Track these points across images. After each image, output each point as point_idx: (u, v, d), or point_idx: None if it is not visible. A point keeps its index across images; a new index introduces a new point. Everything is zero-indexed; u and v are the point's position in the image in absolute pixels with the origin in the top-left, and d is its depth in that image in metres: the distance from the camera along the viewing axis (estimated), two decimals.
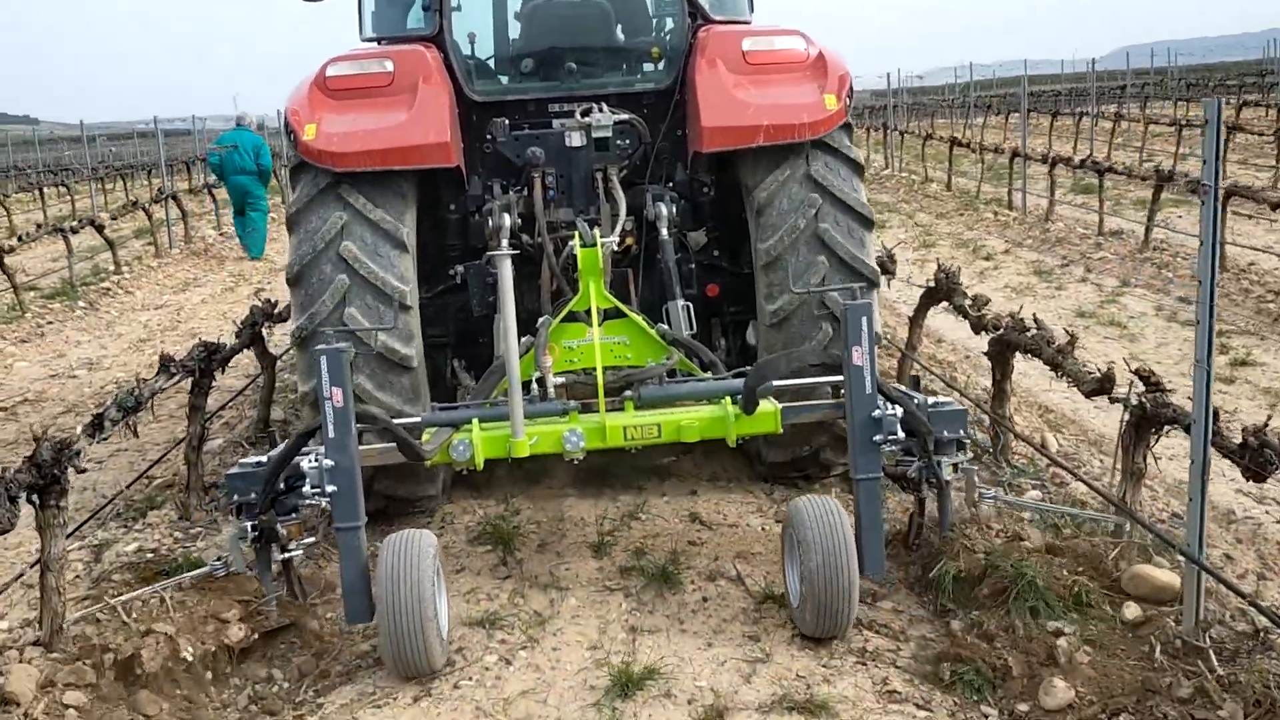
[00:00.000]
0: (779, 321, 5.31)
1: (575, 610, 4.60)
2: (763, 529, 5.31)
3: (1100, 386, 4.48)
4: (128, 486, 5.92)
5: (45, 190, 23.83)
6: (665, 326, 5.37)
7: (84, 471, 4.13)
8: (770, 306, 5.32)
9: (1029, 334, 5.27)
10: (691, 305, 5.56)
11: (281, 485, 4.24)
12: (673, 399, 4.81)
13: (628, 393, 4.76)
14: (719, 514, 5.55)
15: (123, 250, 17.30)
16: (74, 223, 14.37)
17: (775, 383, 4.63)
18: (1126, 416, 4.31)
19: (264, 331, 6.94)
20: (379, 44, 6.10)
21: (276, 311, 7.10)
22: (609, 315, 5.20)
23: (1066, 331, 5.00)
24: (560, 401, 4.73)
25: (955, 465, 4.40)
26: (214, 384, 5.98)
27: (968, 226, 15.60)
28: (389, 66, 5.44)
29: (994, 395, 5.70)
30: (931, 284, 6.65)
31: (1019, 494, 5.28)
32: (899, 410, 4.23)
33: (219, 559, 4.48)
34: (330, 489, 4.04)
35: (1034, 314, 5.36)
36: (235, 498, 4.22)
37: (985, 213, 16.20)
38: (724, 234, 6.11)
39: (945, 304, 6.58)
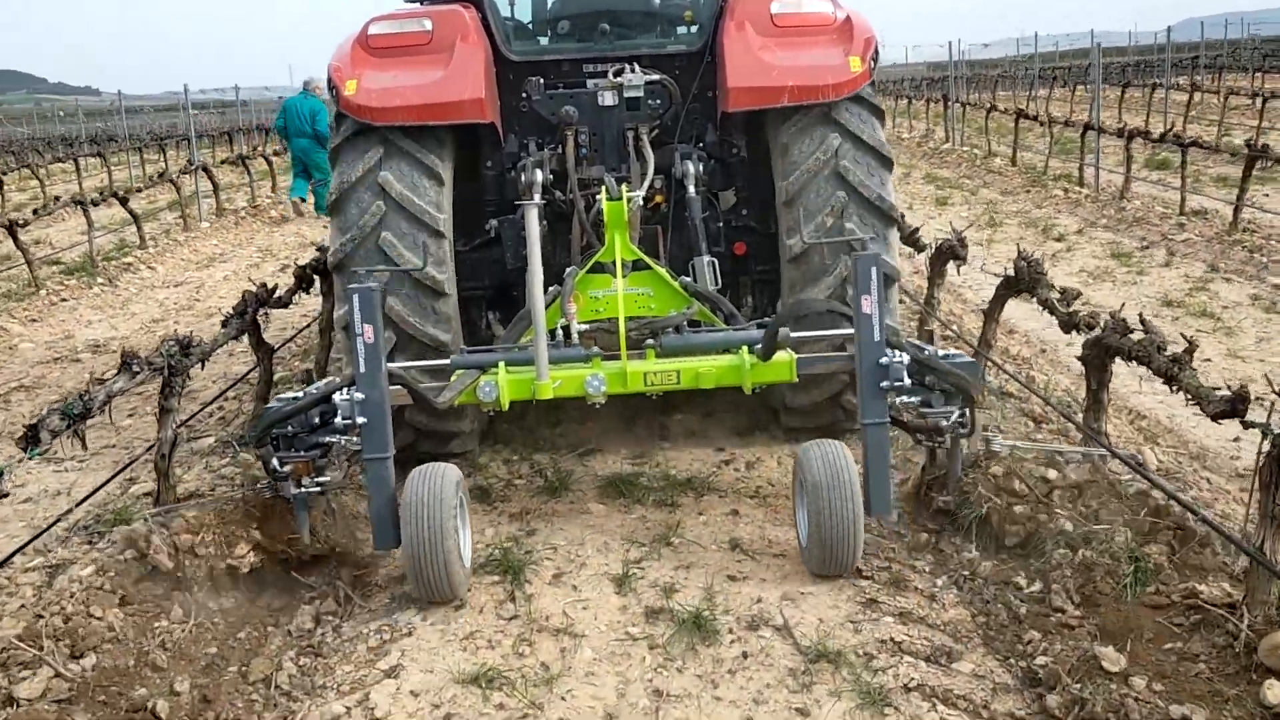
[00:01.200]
0: (798, 255, 5.43)
1: (590, 665, 3.87)
2: None
3: (1232, 408, 3.65)
4: (86, 497, 5.26)
5: (82, 161, 23.40)
6: (688, 279, 5.50)
7: (5, 496, 3.47)
8: (790, 240, 5.44)
9: (1134, 337, 4.44)
10: (718, 262, 5.70)
11: (317, 420, 4.49)
12: (692, 348, 4.93)
13: (649, 341, 4.93)
14: (763, 540, 4.79)
15: (152, 224, 16.87)
16: (95, 195, 13.81)
17: (794, 334, 4.81)
18: (1267, 447, 3.48)
19: (259, 319, 6.26)
20: (420, 4, 6.22)
21: (276, 296, 6.43)
22: (635, 267, 5.34)
23: (1185, 338, 4.16)
24: (583, 348, 4.89)
25: (965, 417, 4.51)
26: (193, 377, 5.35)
27: (1036, 204, 14.60)
28: (428, 25, 5.61)
29: (1087, 407, 4.88)
30: (1010, 273, 5.82)
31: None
32: (905, 357, 4.35)
33: (249, 486, 4.84)
34: (361, 420, 4.26)
35: (1140, 314, 4.52)
36: (272, 432, 4.45)
37: (1054, 190, 15.18)
38: (753, 194, 6.27)
39: (1027, 296, 5.74)
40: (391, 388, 4.45)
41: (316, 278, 7.23)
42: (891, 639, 3.90)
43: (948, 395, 4.52)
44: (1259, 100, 18.88)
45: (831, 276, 5.38)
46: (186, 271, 12.86)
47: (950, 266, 7.13)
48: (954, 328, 7.74)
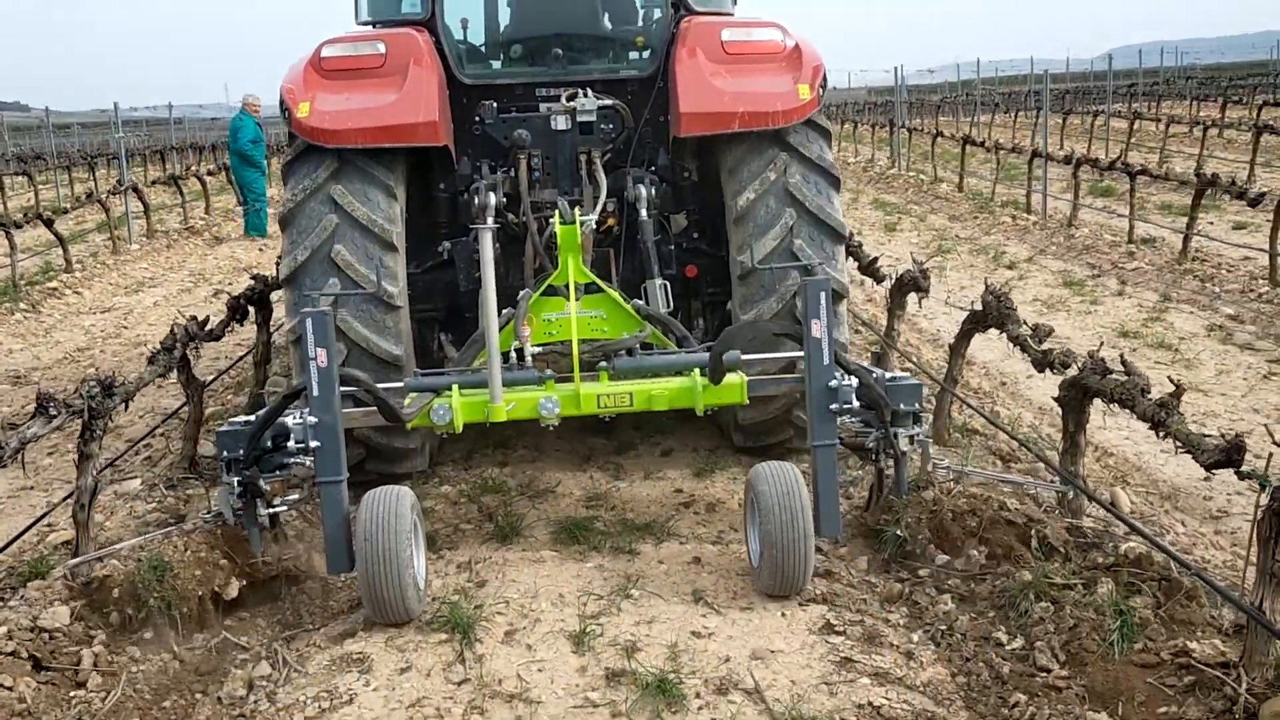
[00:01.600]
0: (747, 273, 5.51)
1: None
2: (784, 616, 4.28)
3: (1227, 458, 3.47)
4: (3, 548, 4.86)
5: (8, 180, 22.59)
6: (640, 302, 5.54)
7: None
8: (740, 257, 5.51)
9: (1114, 378, 4.25)
10: (669, 284, 5.80)
11: (268, 443, 4.43)
12: (644, 370, 4.96)
13: (602, 363, 4.95)
14: (729, 592, 4.52)
15: (80, 246, 16.27)
16: (18, 217, 13.25)
17: (744, 356, 4.77)
18: (1265, 500, 3.29)
19: (189, 354, 5.90)
20: (374, 27, 6.21)
21: (207, 329, 6.07)
22: (588, 290, 5.41)
23: (1171, 380, 3.98)
24: (537, 370, 4.90)
25: (911, 437, 4.58)
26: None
27: (984, 231, 14.60)
28: (381, 49, 5.63)
29: (1064, 449, 4.68)
30: (977, 307, 5.63)
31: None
32: (854, 381, 4.45)
33: (209, 511, 4.59)
34: (314, 444, 4.27)
35: (1122, 355, 4.34)
36: (224, 454, 4.40)
37: (1002, 216, 15.21)
38: (704, 217, 6.35)
39: (996, 331, 5.56)
40: (349, 410, 4.59)
41: (251, 308, 6.88)
42: (870, 703, 3.65)
43: (896, 416, 4.57)
44: (1199, 128, 19.11)
45: (778, 293, 5.50)
46: (115, 297, 12.36)
47: (910, 297, 6.95)
48: (913, 359, 7.57)
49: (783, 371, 5.22)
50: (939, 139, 20.65)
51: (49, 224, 13.08)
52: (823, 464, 4.45)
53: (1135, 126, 21.85)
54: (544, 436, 6.64)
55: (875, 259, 7.57)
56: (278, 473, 4.49)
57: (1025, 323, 5.18)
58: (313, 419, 4.29)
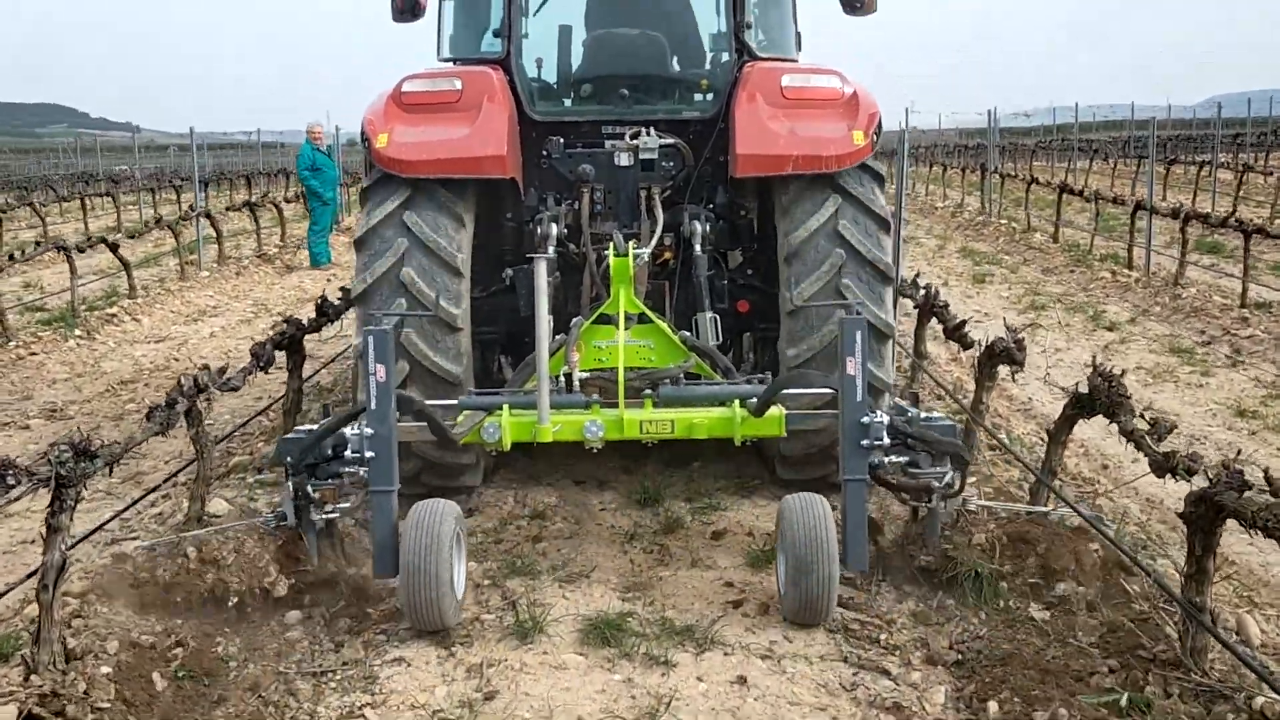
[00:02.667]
0: (795, 310, 5.71)
1: None
2: None
3: None
4: None
5: (90, 201, 22.80)
6: (689, 334, 5.74)
7: None
8: (791, 351, 5.77)
9: (1256, 497, 3.50)
10: (720, 318, 6.00)
11: (328, 452, 4.73)
12: (687, 400, 5.20)
13: (647, 391, 5.19)
14: (774, 715, 3.85)
15: (151, 270, 16.17)
16: (81, 240, 13.09)
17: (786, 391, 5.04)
18: None
19: (200, 405, 5.41)
20: (453, 64, 6.55)
21: (225, 379, 5.59)
22: (639, 320, 5.61)
23: None
24: (584, 395, 5.16)
25: (948, 479, 4.72)
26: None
27: (1081, 287, 13.67)
28: (458, 85, 5.93)
29: (1188, 574, 3.91)
30: (1082, 389, 4.89)
31: None
32: (885, 418, 4.64)
33: (274, 512, 4.88)
34: (369, 455, 4.54)
35: (1266, 470, 3.58)
36: (286, 459, 4.68)
37: (1100, 271, 14.25)
38: (758, 254, 6.57)
39: (1105, 420, 4.80)
40: (404, 424, 4.87)
41: (280, 353, 6.41)
42: None
43: (934, 456, 4.75)
44: None
45: (823, 331, 5.68)
46: (173, 325, 12.07)
47: (1003, 371, 6.22)
48: (1002, 436, 6.81)
49: (825, 407, 5.22)
50: (1034, 186, 19.67)
51: (114, 248, 12.90)
52: (852, 497, 4.57)
53: (1243, 179, 20.66)
54: (585, 510, 6.06)
55: (962, 323, 6.86)
56: (329, 481, 4.76)
57: (1141, 413, 4.43)
58: (369, 430, 4.56)
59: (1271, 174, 20.96)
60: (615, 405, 5.12)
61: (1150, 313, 11.79)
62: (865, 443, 4.59)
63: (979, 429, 6.38)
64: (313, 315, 7.27)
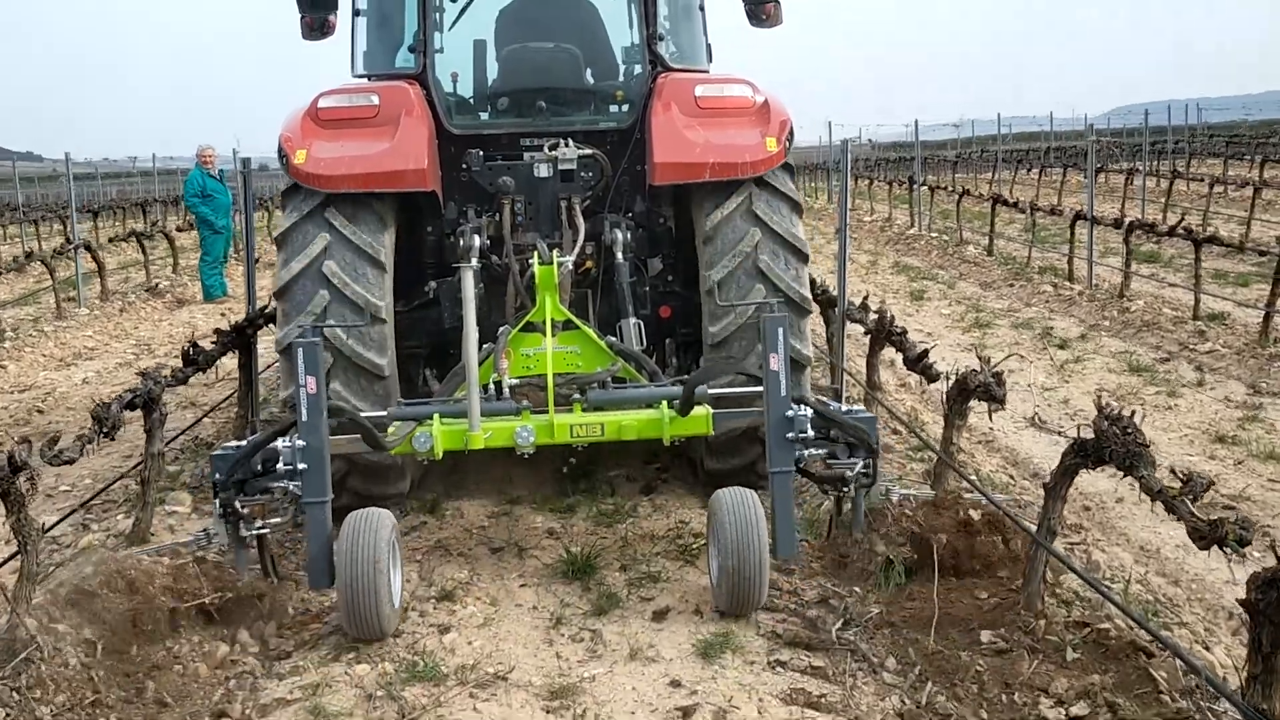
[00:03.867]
0: (719, 343, 5.90)
1: None
2: None
3: None
4: None
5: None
6: (614, 339, 5.87)
7: None
8: (713, 328, 5.90)
9: None
10: (643, 324, 6.09)
11: (258, 467, 4.72)
12: (616, 403, 5.31)
13: (576, 395, 5.26)
14: None
15: (27, 309, 14.86)
16: None
17: (711, 391, 5.20)
18: None
19: (23, 484, 4.39)
20: (368, 80, 6.57)
21: (58, 450, 4.58)
22: (565, 327, 5.70)
23: None
24: (514, 401, 5.26)
25: (867, 468, 4.93)
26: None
27: (1023, 301, 13.09)
28: (375, 100, 5.97)
29: (1252, 675, 3.12)
30: (1087, 435, 4.11)
31: None
32: (809, 411, 4.80)
33: (204, 532, 5.14)
34: (301, 466, 4.60)
35: None
36: (217, 477, 4.69)
37: (1041, 285, 13.70)
38: (678, 261, 6.65)
39: (1115, 470, 4.01)
40: (335, 438, 4.81)
41: (134, 411, 5.41)
42: None
43: (851, 448, 4.91)
44: (1245, 189, 17.68)
45: (740, 310, 5.78)
46: (41, 372, 10.85)
47: (971, 403, 5.45)
48: (975, 480, 6.03)
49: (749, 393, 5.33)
50: (965, 197, 19.17)
51: None
52: (780, 488, 4.74)
53: (1172, 186, 20.41)
54: (503, 587, 5.15)
55: (925, 352, 6.08)
56: (258, 496, 4.76)
57: (1173, 468, 3.65)
58: (301, 442, 4.59)
59: (1198, 180, 20.74)
60: (545, 411, 5.21)
61: (1100, 327, 11.21)
62: (790, 435, 4.74)
63: (947, 471, 5.61)
64: (182, 363, 6.26)
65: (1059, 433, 7.19)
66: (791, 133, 6.11)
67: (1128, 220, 12.45)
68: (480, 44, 6.98)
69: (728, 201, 5.92)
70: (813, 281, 7.21)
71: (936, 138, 52.54)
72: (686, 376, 5.50)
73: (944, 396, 5.62)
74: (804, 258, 5.94)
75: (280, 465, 4.65)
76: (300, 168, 5.73)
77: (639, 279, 6.39)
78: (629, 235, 6.33)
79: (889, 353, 7.40)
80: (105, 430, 4.99)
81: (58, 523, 5.77)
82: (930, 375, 5.86)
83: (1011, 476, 6.70)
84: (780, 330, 4.74)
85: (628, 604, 4.89)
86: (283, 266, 5.76)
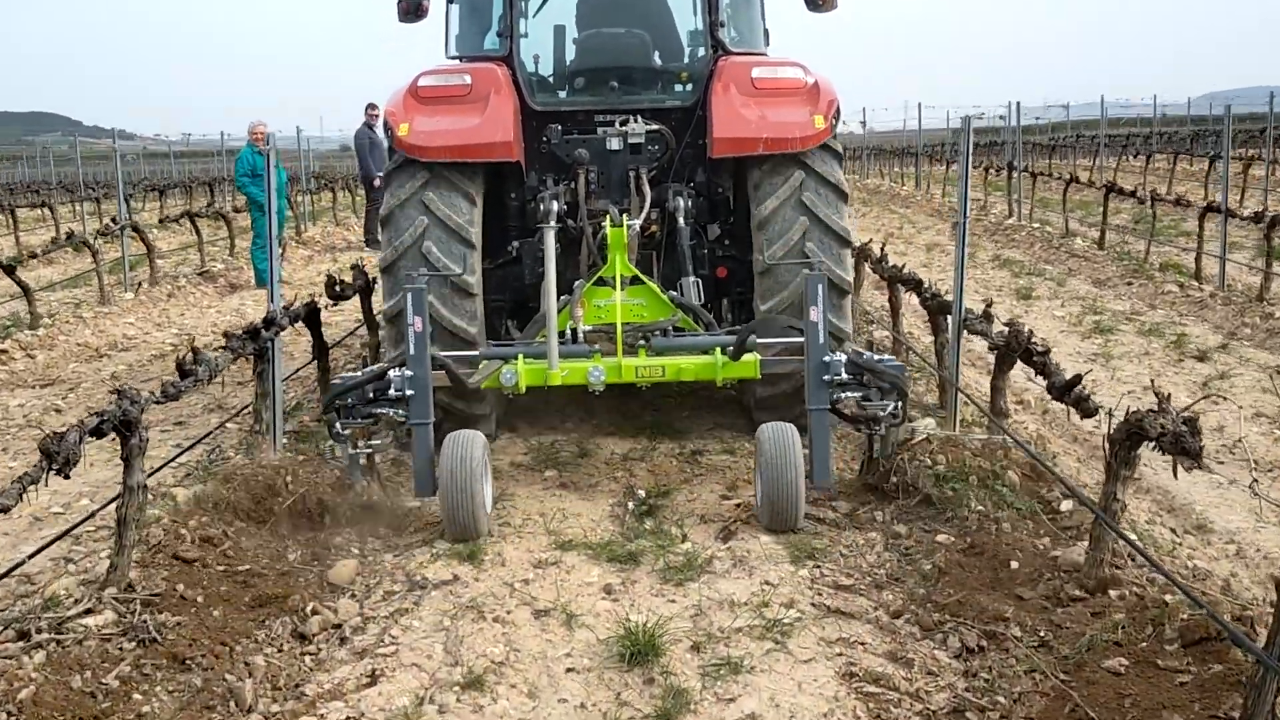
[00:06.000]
0: (766, 269, 6.54)
1: None
2: None
3: None
4: None
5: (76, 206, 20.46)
6: (675, 294, 6.56)
7: None
8: (762, 305, 6.59)
9: None
10: (702, 282, 6.79)
11: (371, 395, 5.49)
12: (675, 348, 6.06)
13: (641, 341, 6.08)
14: None
15: (74, 292, 14.19)
16: None
17: (760, 340, 5.93)
18: None
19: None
20: (460, 61, 7.28)
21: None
22: (632, 282, 6.41)
23: None
24: (587, 345, 6.08)
25: (895, 410, 5.52)
26: None
27: (1147, 303, 11.70)
28: (468, 80, 6.75)
29: None
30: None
31: None
32: (843, 356, 5.52)
33: (329, 448, 6.01)
34: (409, 393, 5.42)
35: None
36: (335, 402, 5.48)
37: (1164, 284, 12.27)
38: (734, 227, 7.31)
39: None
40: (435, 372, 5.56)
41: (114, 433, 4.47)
42: None
43: (883, 392, 5.50)
44: None
45: (790, 287, 6.40)
46: (71, 364, 10.05)
47: (1145, 453, 4.25)
48: (1182, 581, 4.83)
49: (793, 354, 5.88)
50: (1074, 186, 17.64)
51: (9, 271, 10.92)
52: (817, 424, 5.39)
53: None
54: (549, 665, 4.14)
55: (1077, 379, 4.89)
56: (360, 421, 5.49)
57: None
58: (409, 372, 5.40)
59: None
60: (614, 354, 5.94)
61: (1241, 336, 9.84)
62: (827, 378, 5.39)
63: (1108, 534, 4.43)
64: (178, 374, 5.33)
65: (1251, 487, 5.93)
66: (838, 111, 6.73)
67: (1268, 214, 10.98)
68: (560, 29, 7.70)
69: (781, 189, 6.54)
70: (910, 278, 7.43)
71: (1051, 118, 50.32)
72: (739, 327, 6.19)
73: (1105, 440, 4.42)
74: (847, 243, 6.59)
75: (391, 392, 5.44)
76: (404, 139, 6.50)
77: (698, 242, 7.07)
78: (690, 203, 7.01)
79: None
80: (58, 467, 4.04)
81: (35, 553, 4.90)
82: (1086, 410, 4.67)
83: (1173, 530, 5.50)
84: (820, 286, 5.47)
85: (701, 703, 3.84)
86: (387, 246, 6.52)
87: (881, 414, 5.50)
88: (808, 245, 6.42)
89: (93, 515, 5.29)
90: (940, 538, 5.19)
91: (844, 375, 5.42)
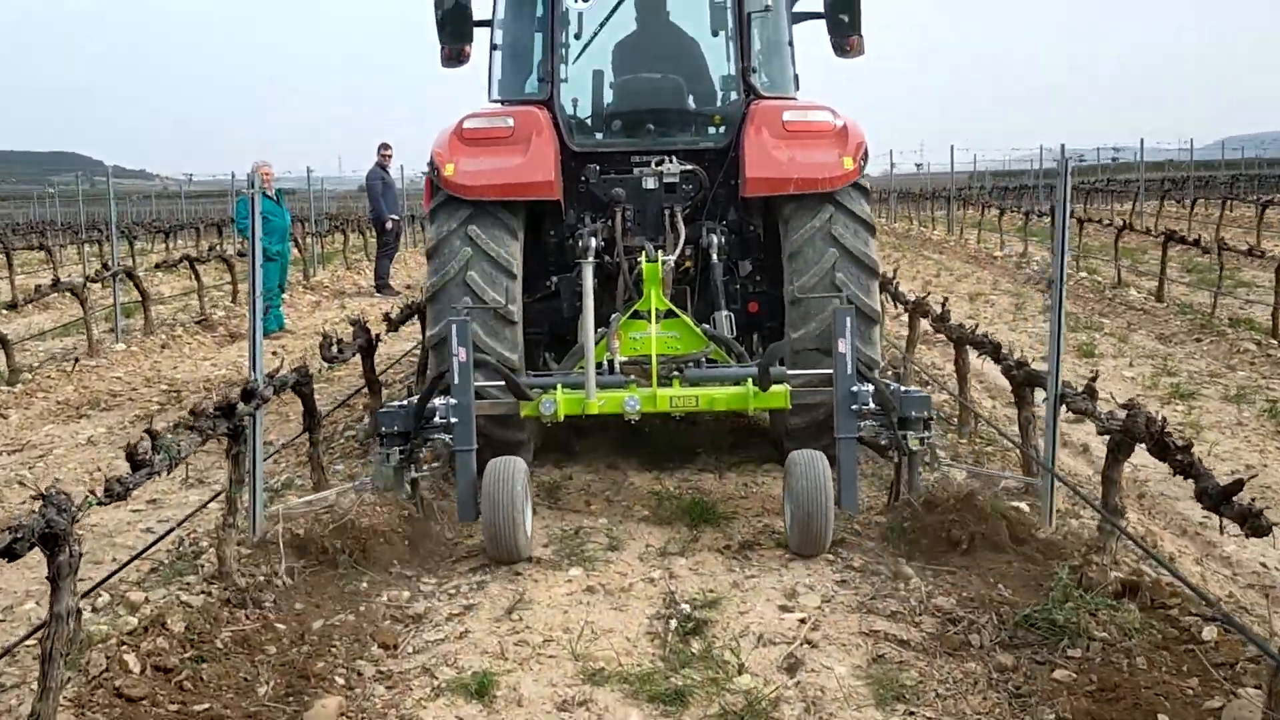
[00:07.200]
0: (797, 300, 6.78)
1: None
2: None
3: None
4: None
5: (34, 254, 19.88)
6: (708, 326, 6.83)
7: None
8: (794, 334, 6.79)
9: None
10: (734, 316, 7.06)
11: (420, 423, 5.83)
12: (709, 379, 6.32)
13: (675, 373, 6.31)
14: None
15: (68, 340, 13.35)
16: None
17: (791, 372, 6.33)
18: None
19: None
20: (503, 104, 7.58)
21: None
22: (666, 316, 6.65)
23: None
24: (623, 375, 6.29)
25: (920, 439, 5.82)
26: None
27: (1223, 363, 10.70)
28: (510, 122, 7.03)
29: None
30: None
31: None
32: (871, 387, 5.76)
33: (366, 478, 6.09)
34: (454, 420, 5.73)
35: None
36: (382, 430, 5.86)
37: (1239, 341, 11.26)
38: (765, 263, 7.55)
39: None
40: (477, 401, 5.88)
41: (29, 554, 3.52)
42: None
43: (906, 423, 5.78)
44: None
45: (819, 318, 6.63)
46: (46, 425, 9.16)
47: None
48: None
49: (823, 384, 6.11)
50: (1128, 233, 16.62)
51: None
52: (845, 452, 5.66)
53: None
54: None
55: (1239, 485, 3.89)
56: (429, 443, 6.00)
57: None
58: (453, 400, 5.74)
59: None
60: (649, 385, 6.13)
61: None
62: (855, 407, 5.68)
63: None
64: (129, 465, 4.39)
65: None
66: (866, 153, 7.03)
67: None
68: (599, 73, 7.98)
69: (811, 223, 6.78)
70: (984, 340, 7.17)
71: (1048, 164, 49.44)
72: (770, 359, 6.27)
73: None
74: (874, 274, 6.84)
75: (437, 419, 5.78)
76: (450, 179, 6.79)
77: (730, 277, 7.36)
78: (723, 240, 7.28)
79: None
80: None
81: None
82: (1259, 528, 3.68)
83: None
84: (848, 319, 5.68)
85: None
86: (434, 274, 6.76)
87: (903, 443, 5.77)
88: (837, 276, 6.66)
89: (9, 651, 4.28)
90: (1058, 674, 4.21)
91: (871, 405, 5.72)
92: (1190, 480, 4.28)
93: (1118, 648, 4.31)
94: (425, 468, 6.02)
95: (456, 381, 5.67)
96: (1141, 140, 24.84)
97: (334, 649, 4.63)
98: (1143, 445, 4.65)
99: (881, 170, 38.14)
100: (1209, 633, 4.37)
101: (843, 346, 5.63)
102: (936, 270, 20.68)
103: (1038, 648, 4.45)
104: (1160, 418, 4.53)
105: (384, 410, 5.93)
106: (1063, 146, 17.48)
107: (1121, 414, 4.87)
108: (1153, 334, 12.49)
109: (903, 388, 6.08)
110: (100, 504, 4.11)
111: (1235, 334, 11.67)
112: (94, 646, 4.34)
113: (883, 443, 5.95)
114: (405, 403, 6.03)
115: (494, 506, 5.32)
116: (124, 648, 4.34)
